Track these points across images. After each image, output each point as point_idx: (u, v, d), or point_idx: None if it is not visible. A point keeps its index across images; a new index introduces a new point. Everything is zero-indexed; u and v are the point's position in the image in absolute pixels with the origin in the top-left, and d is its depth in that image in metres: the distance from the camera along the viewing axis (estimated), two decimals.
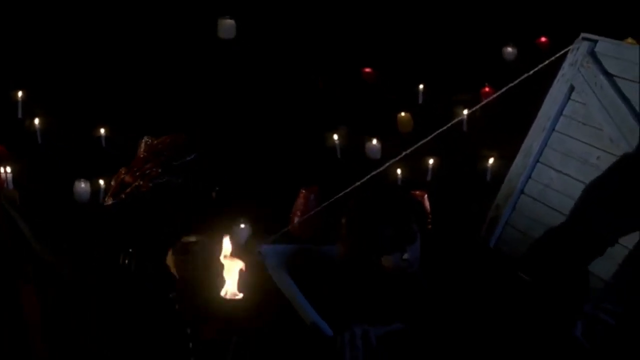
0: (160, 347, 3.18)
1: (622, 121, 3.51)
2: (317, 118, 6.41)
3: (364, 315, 3.03)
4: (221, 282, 2.80)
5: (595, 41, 3.72)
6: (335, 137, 6.29)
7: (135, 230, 3.29)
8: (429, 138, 3.86)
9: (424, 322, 3.07)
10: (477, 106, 4.44)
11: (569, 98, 3.80)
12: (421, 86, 6.82)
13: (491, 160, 6.05)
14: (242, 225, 4.96)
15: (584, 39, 3.75)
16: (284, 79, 6.57)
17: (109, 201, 3.35)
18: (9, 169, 5.11)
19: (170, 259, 3.20)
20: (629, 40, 3.96)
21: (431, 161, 6.12)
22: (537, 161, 3.87)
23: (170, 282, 3.21)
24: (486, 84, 6.48)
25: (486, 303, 3.13)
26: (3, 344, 3.48)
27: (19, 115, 6.06)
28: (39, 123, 5.96)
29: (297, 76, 6.63)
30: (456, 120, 4.14)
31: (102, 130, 6.06)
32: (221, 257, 2.84)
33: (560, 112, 3.82)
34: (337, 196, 3.75)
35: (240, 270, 2.81)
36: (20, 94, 6.06)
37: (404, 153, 3.91)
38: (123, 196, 3.31)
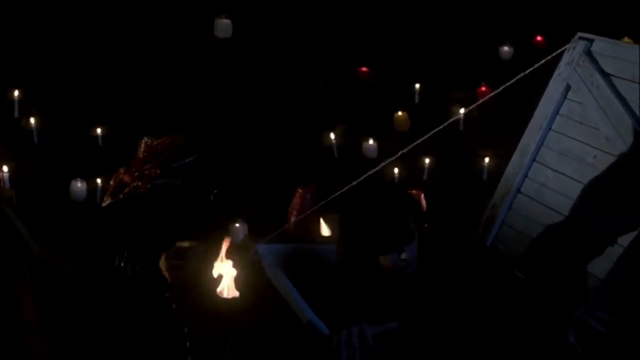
0: (158, 346, 3.18)
1: (619, 120, 3.51)
2: (314, 117, 6.41)
3: (360, 314, 3.03)
4: (217, 282, 2.80)
5: (592, 40, 3.72)
6: (332, 136, 6.29)
7: (133, 230, 3.29)
8: (425, 137, 3.85)
9: (421, 321, 3.08)
10: (474, 105, 4.43)
11: (565, 97, 3.80)
12: (417, 85, 6.82)
13: (487, 159, 6.05)
14: (238, 225, 4.96)
15: (581, 38, 3.75)
16: (281, 78, 6.57)
17: (107, 201, 3.35)
18: (5, 169, 5.12)
19: (162, 264, 3.20)
20: (626, 39, 3.95)
21: (428, 160, 6.13)
22: (534, 160, 3.88)
23: (167, 282, 3.21)
24: (482, 83, 6.49)
25: (483, 302, 3.14)
26: (2, 344, 3.48)
27: (16, 115, 6.06)
28: (36, 122, 5.96)
29: (294, 75, 6.63)
30: (453, 119, 4.13)
31: (99, 130, 6.05)
32: (217, 260, 2.84)
33: (556, 111, 3.82)
34: (334, 195, 3.74)
35: (235, 269, 2.81)
36: (16, 93, 6.05)
37: (400, 152, 3.90)
38: (121, 196, 3.31)
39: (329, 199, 3.79)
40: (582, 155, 3.67)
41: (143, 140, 3.46)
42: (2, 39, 6.12)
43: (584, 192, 3.55)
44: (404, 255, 3.12)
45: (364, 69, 6.90)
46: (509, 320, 3.10)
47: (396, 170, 5.81)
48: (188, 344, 3.17)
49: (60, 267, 3.41)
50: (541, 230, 3.67)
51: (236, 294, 2.81)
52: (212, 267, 2.86)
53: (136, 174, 3.31)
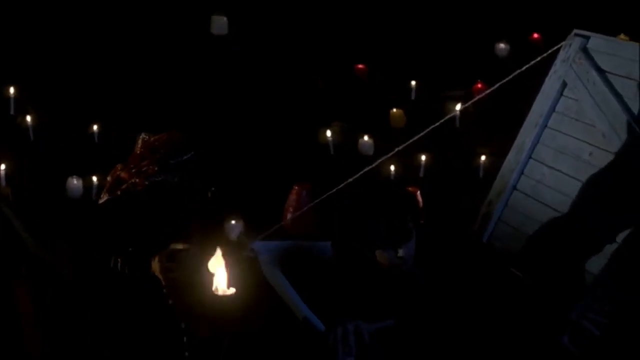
0: (155, 341, 3.18)
1: (615, 117, 3.52)
2: (310, 114, 6.41)
3: (356, 311, 3.03)
4: (212, 279, 2.80)
5: (588, 37, 3.72)
6: (328, 133, 6.29)
7: (131, 228, 3.28)
8: (421, 134, 3.85)
9: (418, 318, 3.08)
10: (470, 102, 4.44)
11: (561, 94, 3.80)
12: (413, 82, 6.82)
13: (483, 157, 6.05)
14: (234, 222, 4.96)
15: (577, 35, 3.75)
16: (278, 75, 6.57)
17: (104, 197, 3.34)
18: (1, 166, 5.11)
19: (155, 265, 3.19)
20: (622, 36, 3.95)
21: (424, 157, 6.12)
22: (530, 157, 3.88)
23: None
24: (479, 80, 6.48)
25: (479, 299, 3.14)
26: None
27: (12, 112, 6.05)
28: (31, 119, 5.95)
29: (290, 72, 6.63)
30: (449, 116, 4.13)
31: (95, 127, 6.05)
32: (213, 257, 2.83)
33: (552, 109, 3.82)
34: (330, 192, 3.75)
35: (230, 266, 2.81)
36: (12, 90, 6.04)
37: (396, 149, 3.90)
38: (118, 193, 3.30)
39: (325, 195, 3.79)
40: (578, 152, 3.67)
41: (140, 136, 3.44)
42: None
43: (582, 190, 3.56)
44: (400, 253, 3.12)
45: (360, 66, 6.89)
46: (505, 317, 3.10)
47: (392, 167, 5.81)
48: (185, 339, 3.16)
49: (60, 267, 3.40)
50: (537, 227, 3.68)
51: (232, 291, 2.80)
52: (207, 265, 2.85)
53: (133, 170, 3.30)
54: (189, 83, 6.36)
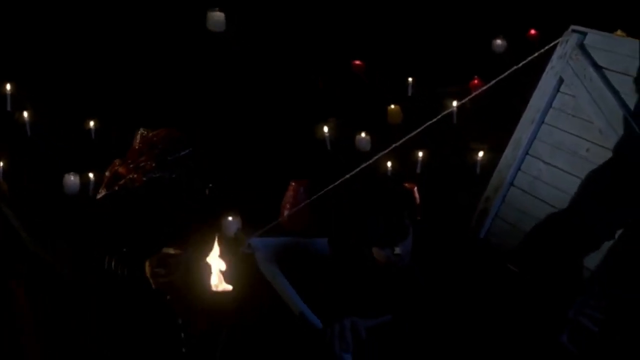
0: (153, 337, 3.18)
1: (612, 113, 3.52)
2: (307, 110, 6.40)
3: (353, 308, 3.03)
4: (209, 276, 2.80)
5: (585, 33, 3.73)
6: (325, 129, 6.29)
7: (128, 225, 3.28)
8: (418, 130, 3.85)
9: (414, 315, 3.08)
10: (467, 98, 4.43)
11: (558, 90, 3.80)
12: (410, 79, 6.81)
13: (480, 153, 6.05)
14: (231, 218, 4.95)
15: (574, 31, 3.76)
16: (275, 71, 6.56)
17: (102, 192, 3.34)
18: None
19: (147, 269, 3.18)
20: (619, 32, 3.96)
21: (421, 153, 6.12)
22: (527, 153, 3.88)
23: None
24: (475, 76, 6.48)
25: (476, 295, 3.14)
26: None
27: (8, 108, 6.04)
28: (28, 116, 5.94)
29: (287, 69, 6.62)
30: (446, 112, 4.12)
31: (92, 123, 6.04)
32: (210, 254, 2.83)
33: (549, 105, 3.83)
34: (327, 189, 3.74)
35: (227, 263, 2.81)
36: (9, 86, 6.03)
37: (393, 145, 3.90)
38: (116, 188, 3.30)
39: (322, 192, 3.79)
40: (575, 148, 3.68)
41: (139, 132, 3.44)
42: None
43: (579, 186, 3.56)
44: (397, 250, 3.12)
45: (357, 62, 6.89)
46: (502, 314, 3.10)
47: (389, 163, 5.81)
48: (182, 335, 3.16)
49: (60, 267, 3.40)
50: (534, 223, 3.68)
51: (229, 287, 2.80)
52: (204, 263, 2.86)
53: (131, 166, 3.30)
54: (186, 79, 6.35)
